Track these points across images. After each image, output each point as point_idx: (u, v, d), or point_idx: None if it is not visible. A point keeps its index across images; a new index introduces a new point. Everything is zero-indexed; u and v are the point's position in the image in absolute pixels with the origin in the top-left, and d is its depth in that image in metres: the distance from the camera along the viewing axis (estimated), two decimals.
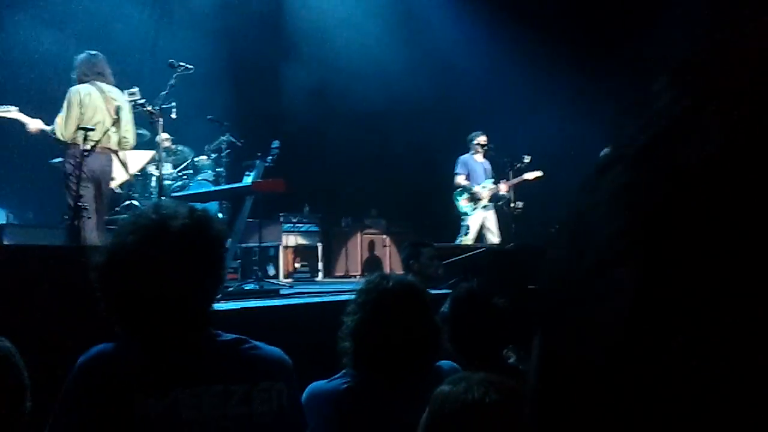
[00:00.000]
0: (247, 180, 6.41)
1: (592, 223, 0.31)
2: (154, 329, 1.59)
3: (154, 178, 7.35)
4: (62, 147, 5.41)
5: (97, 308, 2.83)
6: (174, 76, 5.25)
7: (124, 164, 5.67)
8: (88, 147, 5.21)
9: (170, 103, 5.78)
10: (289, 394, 1.70)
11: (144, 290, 1.55)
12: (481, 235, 7.95)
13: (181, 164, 7.67)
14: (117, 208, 7.17)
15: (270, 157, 6.75)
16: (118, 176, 5.71)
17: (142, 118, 6.56)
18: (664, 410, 0.27)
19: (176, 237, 1.56)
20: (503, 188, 8.02)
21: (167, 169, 7.31)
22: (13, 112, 5.52)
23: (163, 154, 6.50)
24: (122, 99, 5.58)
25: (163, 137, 5.60)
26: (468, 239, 7.85)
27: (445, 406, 1.40)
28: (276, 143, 6.89)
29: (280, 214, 8.56)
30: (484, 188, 8.05)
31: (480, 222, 7.97)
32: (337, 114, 9.24)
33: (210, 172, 7.42)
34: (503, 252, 5.76)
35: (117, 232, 1.63)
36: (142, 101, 5.43)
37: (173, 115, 5.95)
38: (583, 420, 0.30)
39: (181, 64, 5.28)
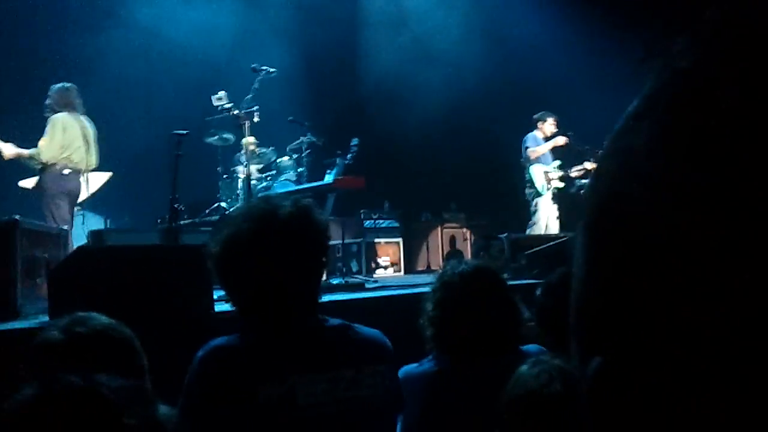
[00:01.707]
0: (328, 178, 6.56)
1: (635, 158, 0.38)
2: (269, 314, 1.69)
3: (239, 180, 7.63)
4: (39, 169, 5.93)
5: (192, 301, 3.01)
6: (257, 80, 5.43)
7: (86, 183, 6.32)
8: (67, 171, 5.91)
9: (253, 106, 5.98)
10: (391, 376, 1.79)
11: (258, 276, 1.66)
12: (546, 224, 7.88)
13: (264, 166, 7.90)
14: (206, 210, 7.49)
15: (350, 155, 6.87)
16: (82, 194, 6.36)
17: (227, 122, 6.82)
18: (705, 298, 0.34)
19: (285, 225, 1.67)
20: (574, 173, 7.93)
21: (252, 171, 7.55)
22: None
23: (245, 157, 6.76)
24: (91, 126, 6.25)
25: (249, 140, 5.79)
26: (538, 227, 7.79)
27: (514, 387, 1.45)
28: (355, 141, 7.00)
29: (361, 210, 8.69)
30: (554, 170, 7.97)
31: (548, 208, 7.90)
32: (414, 109, 9.29)
33: (292, 172, 7.60)
34: None
35: (229, 223, 1.74)
36: (229, 105, 5.64)
37: (256, 119, 6.16)
38: (630, 301, 0.37)
39: (264, 67, 5.46)
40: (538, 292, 2.48)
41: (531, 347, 2.15)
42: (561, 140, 8.01)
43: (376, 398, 1.70)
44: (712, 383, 0.34)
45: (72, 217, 6.18)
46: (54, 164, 5.93)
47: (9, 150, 6.02)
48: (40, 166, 5.93)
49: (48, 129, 5.96)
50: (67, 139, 6.04)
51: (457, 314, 2.05)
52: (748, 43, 0.36)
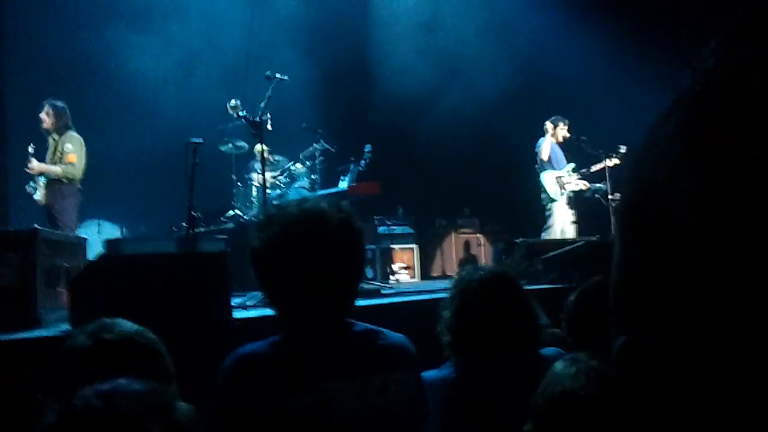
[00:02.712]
0: (343, 185, 6.59)
1: (662, 147, 0.42)
2: (306, 316, 1.69)
3: (254, 188, 7.66)
4: (54, 183, 6.14)
5: (211, 308, 3.03)
6: (271, 87, 5.46)
7: None
8: (79, 186, 6.23)
9: (267, 114, 6.00)
10: (416, 381, 1.78)
11: (301, 277, 1.65)
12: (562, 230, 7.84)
13: (278, 173, 7.93)
14: (222, 218, 7.52)
15: (363, 161, 6.90)
16: None
17: (241, 130, 6.85)
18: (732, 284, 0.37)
19: (333, 228, 1.67)
20: (593, 170, 7.91)
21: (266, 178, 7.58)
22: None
23: (260, 165, 6.79)
24: None
25: (262, 148, 5.83)
26: (553, 230, 7.75)
27: (550, 386, 1.45)
28: (368, 147, 7.03)
29: (375, 217, 8.69)
30: (569, 174, 7.95)
31: (564, 212, 7.87)
32: (426, 114, 9.31)
33: (306, 179, 7.63)
34: (604, 245, 5.64)
35: (274, 223, 1.70)
36: (244, 113, 5.66)
37: (269, 126, 6.18)
38: (665, 293, 0.40)
39: (277, 75, 5.49)
40: (571, 298, 2.45)
41: (549, 350, 2.15)
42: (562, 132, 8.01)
43: (403, 404, 1.69)
44: (723, 370, 0.36)
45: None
46: (75, 180, 6.18)
47: (37, 165, 6.22)
48: (68, 181, 6.16)
49: (73, 147, 6.20)
50: (85, 156, 6.32)
51: (475, 321, 2.05)
52: (757, 46, 0.39)
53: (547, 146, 7.96)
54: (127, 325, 1.53)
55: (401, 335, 1.83)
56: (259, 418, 1.57)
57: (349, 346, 1.72)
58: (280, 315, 1.75)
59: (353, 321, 1.78)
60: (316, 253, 1.65)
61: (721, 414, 0.37)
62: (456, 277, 2.25)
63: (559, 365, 1.47)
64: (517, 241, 5.83)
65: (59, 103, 6.37)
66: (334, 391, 1.60)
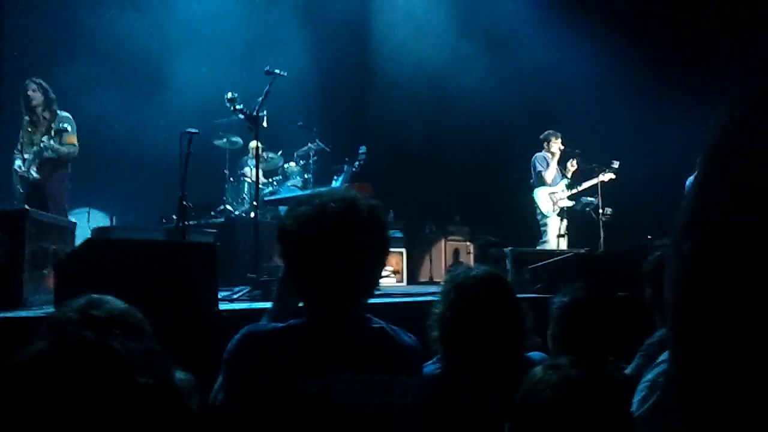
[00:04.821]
0: (335, 185, 6.59)
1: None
2: (327, 300, 1.69)
3: (246, 184, 7.65)
4: (55, 165, 5.92)
5: (198, 298, 3.01)
6: (269, 83, 5.43)
7: None
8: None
9: (263, 110, 5.97)
10: (420, 387, 1.77)
11: (330, 257, 1.64)
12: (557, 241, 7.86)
13: (270, 171, 7.92)
14: (212, 213, 7.50)
15: (357, 163, 6.91)
16: None
17: (236, 125, 6.82)
18: None
19: (366, 213, 1.66)
20: (583, 187, 7.92)
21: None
22: None
23: (253, 161, 6.78)
24: None
25: (257, 144, 5.80)
26: (549, 245, 7.77)
27: (532, 392, 1.45)
28: (363, 148, 7.03)
29: None
30: (562, 191, 7.97)
31: (556, 226, 7.88)
32: (422, 119, 9.32)
33: (299, 177, 7.63)
34: (592, 258, 5.67)
35: (306, 203, 1.69)
36: (240, 107, 5.61)
37: (265, 124, 6.14)
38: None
39: (276, 70, 5.47)
40: (557, 311, 2.45)
41: (535, 354, 2.16)
42: (571, 167, 8.02)
43: (406, 407, 1.68)
44: None
45: None
46: (69, 162, 5.96)
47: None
48: (64, 163, 5.95)
49: (71, 126, 5.96)
50: None
51: (469, 316, 2.06)
52: None
53: (552, 167, 7.98)
54: (117, 302, 1.51)
55: (412, 338, 1.82)
56: (265, 395, 1.57)
57: (363, 340, 1.70)
58: (302, 297, 1.75)
59: (371, 316, 1.76)
60: (344, 236, 1.64)
61: None
62: (448, 275, 2.25)
63: (539, 372, 1.47)
64: (505, 249, 5.83)
65: (43, 81, 6.12)
66: (342, 383, 1.59)
